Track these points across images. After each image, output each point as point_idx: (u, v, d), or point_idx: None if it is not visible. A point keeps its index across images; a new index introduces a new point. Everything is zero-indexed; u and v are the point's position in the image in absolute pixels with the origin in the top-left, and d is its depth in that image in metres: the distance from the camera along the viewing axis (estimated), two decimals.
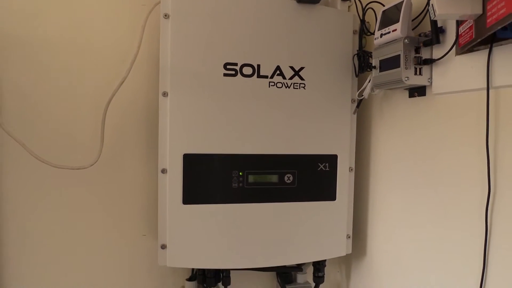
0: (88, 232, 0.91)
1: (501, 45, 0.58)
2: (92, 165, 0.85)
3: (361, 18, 0.86)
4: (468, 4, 0.54)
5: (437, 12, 0.55)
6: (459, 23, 0.63)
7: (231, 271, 0.91)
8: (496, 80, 0.59)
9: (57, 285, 0.90)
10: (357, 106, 0.89)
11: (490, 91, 0.60)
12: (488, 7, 0.51)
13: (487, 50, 0.59)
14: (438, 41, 0.68)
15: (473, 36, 0.57)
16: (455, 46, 0.65)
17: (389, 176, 0.87)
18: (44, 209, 0.88)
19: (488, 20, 0.51)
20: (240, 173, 0.84)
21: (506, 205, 0.59)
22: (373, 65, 0.79)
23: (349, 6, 0.93)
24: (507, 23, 0.47)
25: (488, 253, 0.61)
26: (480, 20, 0.55)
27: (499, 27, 0.49)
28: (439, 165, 0.72)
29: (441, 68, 0.70)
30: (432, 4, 0.56)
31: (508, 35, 0.56)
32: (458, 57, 0.65)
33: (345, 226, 0.91)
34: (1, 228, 0.86)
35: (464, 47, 0.62)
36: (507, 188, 0.58)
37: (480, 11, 0.54)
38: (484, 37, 0.54)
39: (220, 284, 0.93)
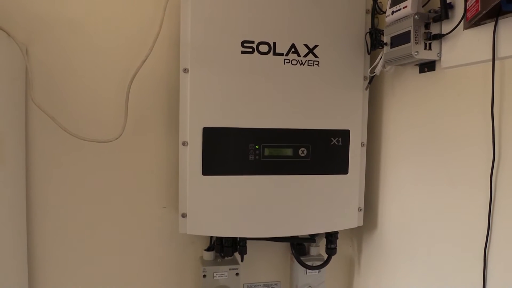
0: (111, 203, 0.96)
1: (507, 17, 0.60)
2: (116, 138, 0.90)
3: None
4: None
5: None
6: None
7: (247, 241, 0.96)
8: (501, 51, 0.62)
9: (84, 251, 0.95)
10: (369, 83, 0.93)
11: (495, 62, 0.63)
12: None
13: (493, 23, 0.62)
14: (447, 16, 0.71)
15: (479, 9, 0.60)
16: (463, 20, 0.68)
17: (400, 150, 0.90)
18: (71, 180, 0.93)
19: None
20: (257, 146, 0.89)
21: (509, 170, 0.62)
22: (385, 42, 0.82)
23: None
24: None
25: (492, 217, 0.65)
26: None
27: None
28: (447, 137, 0.75)
29: (449, 43, 0.72)
30: None
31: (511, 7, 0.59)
32: (466, 31, 0.68)
33: (357, 199, 0.95)
34: (31, 198, 0.92)
35: (471, 21, 0.65)
36: (511, 154, 0.61)
37: None
38: (489, 8, 0.57)
39: (236, 253, 0.97)
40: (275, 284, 1.08)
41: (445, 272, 0.76)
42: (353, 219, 0.95)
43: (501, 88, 0.63)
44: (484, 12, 0.59)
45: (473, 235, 0.68)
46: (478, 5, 0.61)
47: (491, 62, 0.63)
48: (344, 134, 0.93)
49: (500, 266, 0.64)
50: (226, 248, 0.95)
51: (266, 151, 0.89)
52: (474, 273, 0.67)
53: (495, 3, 0.55)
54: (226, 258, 0.99)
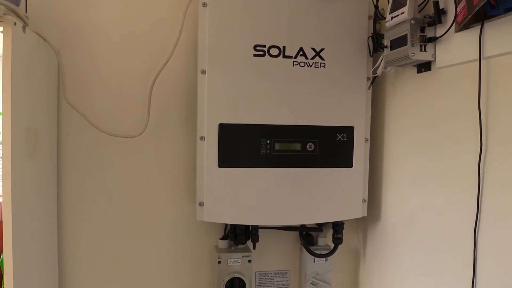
0: (135, 195, 1.05)
1: (491, 21, 0.68)
2: (140, 134, 0.99)
3: (375, 4, 0.97)
4: None
5: None
6: (456, 4, 0.74)
7: (259, 230, 1.04)
8: (487, 51, 0.69)
9: (108, 235, 1.04)
10: (372, 83, 1.00)
11: (482, 61, 0.70)
12: None
13: (480, 26, 0.70)
14: (440, 21, 0.79)
15: (466, 14, 0.68)
16: (454, 24, 0.75)
17: (400, 145, 0.97)
18: (97, 172, 1.02)
19: None
20: (268, 141, 0.96)
21: (494, 158, 0.69)
22: (385, 45, 0.90)
23: None
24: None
25: (481, 201, 0.72)
26: None
27: (482, 4, 0.60)
28: (442, 130, 0.82)
29: (443, 45, 0.80)
30: None
31: (496, 12, 0.66)
32: (457, 34, 0.76)
33: (361, 191, 1.02)
34: (61, 187, 1.01)
35: (461, 24, 0.72)
36: (496, 143, 0.68)
37: None
38: (473, 12, 0.65)
39: (249, 242, 1.05)
40: (285, 272, 1.15)
41: (442, 256, 0.82)
42: (358, 210, 1.02)
43: (487, 84, 0.70)
44: (470, 16, 0.67)
45: (465, 218, 0.75)
46: (465, 10, 0.68)
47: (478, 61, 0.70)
48: (349, 131, 1.00)
49: (488, 243, 0.70)
50: (239, 236, 1.03)
51: (277, 146, 0.97)
52: (466, 253, 0.74)
53: (478, 8, 0.62)
54: (239, 246, 1.07)
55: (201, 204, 0.95)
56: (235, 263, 1.05)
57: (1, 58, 0.95)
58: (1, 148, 0.86)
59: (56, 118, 0.99)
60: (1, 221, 0.77)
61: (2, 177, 0.74)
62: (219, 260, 1.04)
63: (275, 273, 1.15)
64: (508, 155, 0.66)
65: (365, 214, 1.03)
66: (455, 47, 0.77)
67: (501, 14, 0.65)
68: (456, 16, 0.74)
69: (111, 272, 1.05)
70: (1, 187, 0.80)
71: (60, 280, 1.01)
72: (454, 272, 0.78)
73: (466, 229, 0.74)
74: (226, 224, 1.08)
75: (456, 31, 0.76)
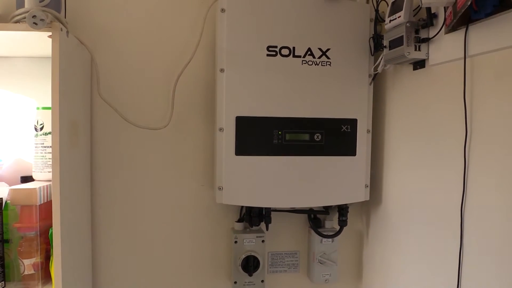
0: (160, 181, 1.16)
1: (475, 24, 0.78)
2: (165, 126, 1.11)
3: (376, 8, 1.08)
4: None
5: (423, 2, 0.77)
6: (445, 9, 0.84)
7: (271, 213, 1.15)
8: (471, 50, 0.79)
9: (136, 218, 1.16)
10: (373, 79, 1.11)
11: (466, 58, 0.80)
12: None
13: (465, 28, 0.80)
14: (432, 24, 0.89)
15: (452, 18, 0.78)
16: (443, 26, 0.86)
17: (399, 135, 1.08)
18: (127, 162, 1.14)
19: (458, 5, 0.73)
20: (279, 132, 1.07)
21: (477, 143, 0.79)
22: (384, 45, 1.00)
23: None
24: (467, 6, 0.68)
25: (466, 180, 0.82)
26: (454, 5, 0.76)
27: (463, 10, 0.70)
28: (434, 120, 0.93)
29: (434, 44, 0.90)
30: None
31: (478, 16, 0.76)
32: (447, 35, 0.86)
33: (364, 177, 1.13)
34: (95, 175, 1.13)
35: (449, 27, 0.83)
36: (479, 130, 0.79)
37: None
38: (457, 17, 0.75)
39: (262, 223, 1.16)
40: (294, 253, 1.26)
41: (433, 231, 0.93)
42: (361, 194, 1.13)
43: (471, 79, 0.81)
44: (455, 20, 0.77)
45: (453, 196, 0.86)
46: (451, 15, 0.79)
47: (463, 59, 0.81)
48: (352, 122, 1.11)
49: (472, 219, 0.81)
50: (254, 218, 1.14)
51: (287, 136, 1.08)
52: (454, 227, 0.85)
53: (460, 13, 0.73)
54: (253, 227, 1.18)
55: (220, 188, 1.07)
56: (250, 243, 1.17)
57: (44, 59, 1.08)
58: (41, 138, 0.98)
59: (89, 111, 1.11)
60: (50, 201, 0.89)
61: (52, 163, 0.85)
62: (236, 240, 1.16)
63: (286, 253, 1.26)
64: (488, 140, 0.76)
65: (368, 198, 1.14)
66: (445, 47, 0.87)
67: (482, 18, 0.75)
68: (445, 19, 0.84)
69: (137, 249, 1.17)
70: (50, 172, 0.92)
71: (93, 252, 1.14)
72: (444, 244, 0.89)
73: (454, 206, 0.85)
74: (242, 208, 1.20)
75: (446, 32, 0.86)
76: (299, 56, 1.07)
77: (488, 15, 0.74)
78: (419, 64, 0.97)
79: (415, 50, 0.92)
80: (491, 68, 0.76)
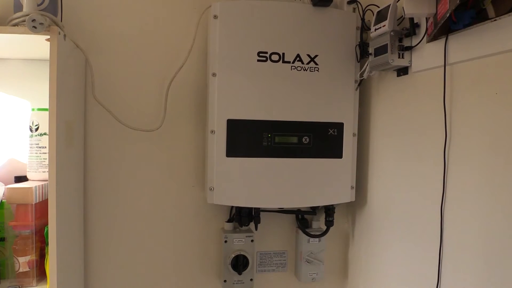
0: (152, 182, 1.19)
1: (454, 34, 0.83)
2: (157, 128, 1.14)
3: (362, 17, 1.13)
4: (426, 6, 0.80)
5: (405, 12, 0.82)
6: (427, 19, 0.89)
7: (260, 213, 1.18)
8: (451, 58, 0.84)
9: (128, 218, 1.18)
10: (359, 85, 1.15)
11: (446, 66, 0.85)
12: (438, 7, 0.78)
13: (445, 38, 0.85)
14: (414, 33, 0.94)
15: (433, 28, 0.83)
16: (425, 36, 0.91)
17: (383, 139, 1.13)
18: (120, 162, 1.17)
19: (438, 16, 0.78)
20: (269, 135, 1.11)
21: (456, 146, 0.84)
22: (370, 52, 1.05)
23: (353, 8, 1.19)
24: (446, 17, 0.73)
25: (446, 181, 0.87)
26: (435, 16, 0.81)
27: (443, 21, 0.75)
28: (417, 125, 0.97)
29: (417, 53, 0.95)
30: (403, 7, 0.83)
31: (457, 27, 0.81)
32: (428, 44, 0.91)
33: (350, 178, 1.17)
34: (88, 175, 1.15)
35: (430, 36, 0.88)
36: (457, 134, 0.84)
37: (434, 11, 0.80)
38: (438, 27, 0.80)
39: (252, 223, 1.19)
40: (282, 252, 1.30)
41: (415, 230, 0.98)
42: (347, 195, 1.17)
43: (451, 85, 0.86)
44: (436, 30, 0.82)
45: (434, 199, 0.90)
46: (432, 25, 0.84)
47: (443, 66, 0.86)
48: (339, 126, 1.15)
49: (451, 219, 0.85)
50: (244, 218, 1.17)
51: (276, 139, 1.12)
52: (435, 226, 0.89)
53: (440, 24, 0.78)
54: (243, 227, 1.22)
55: (211, 189, 1.10)
56: (240, 242, 1.20)
57: (38, 61, 1.10)
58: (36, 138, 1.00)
59: (83, 113, 1.13)
60: (45, 200, 0.91)
61: (49, 163, 0.88)
62: (226, 239, 1.19)
63: (274, 253, 1.29)
64: (466, 143, 0.81)
65: (353, 199, 1.18)
66: (427, 55, 0.92)
67: (461, 29, 0.81)
68: (427, 29, 0.89)
69: (129, 247, 1.19)
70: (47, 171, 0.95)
71: (85, 251, 1.16)
72: (425, 244, 0.93)
73: (434, 207, 0.90)
74: (232, 208, 1.23)
75: (427, 41, 0.91)
76: (288, 62, 1.11)
77: (466, 26, 0.79)
78: (403, 71, 1.02)
79: (399, 57, 0.97)
80: (469, 75, 0.81)
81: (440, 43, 0.87)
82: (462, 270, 0.82)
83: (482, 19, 0.75)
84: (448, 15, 0.72)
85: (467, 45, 0.80)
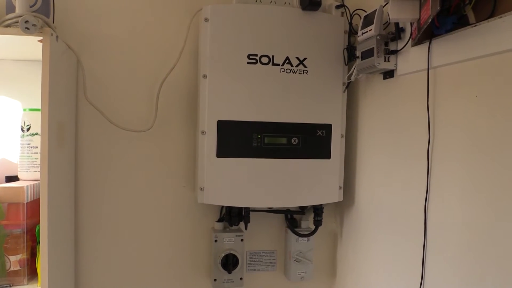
0: (143, 182, 1.20)
1: (437, 38, 0.86)
2: (148, 129, 1.15)
3: (349, 21, 1.15)
4: (410, 11, 0.82)
5: (390, 17, 0.84)
6: (412, 24, 0.92)
7: (250, 213, 1.20)
8: (434, 62, 0.87)
9: (119, 217, 1.19)
10: (347, 87, 1.18)
11: (430, 69, 0.88)
12: (421, 13, 0.80)
13: (429, 42, 0.88)
14: (399, 37, 0.97)
15: (417, 32, 0.86)
16: (410, 40, 0.94)
17: (370, 140, 1.15)
18: (111, 162, 1.18)
19: (421, 21, 0.80)
20: (259, 136, 1.13)
21: (439, 146, 0.87)
22: (357, 55, 1.08)
23: (342, 12, 1.22)
24: (429, 22, 0.76)
25: (429, 180, 0.90)
26: (418, 21, 0.84)
27: (426, 26, 0.78)
28: (402, 126, 1.00)
29: (402, 56, 0.98)
30: (387, 12, 0.85)
31: (440, 32, 0.84)
32: (413, 48, 0.94)
33: (338, 179, 1.19)
34: (79, 175, 1.16)
35: (415, 40, 0.91)
36: (440, 135, 0.87)
37: (417, 16, 0.82)
38: (421, 32, 0.83)
39: (241, 223, 1.21)
40: (272, 252, 1.32)
41: (400, 229, 1.00)
42: (335, 195, 1.19)
43: (434, 88, 0.89)
44: (419, 34, 0.85)
45: (418, 199, 0.93)
46: (416, 30, 0.87)
47: (427, 70, 0.89)
48: (327, 127, 1.18)
49: (435, 218, 0.88)
50: (233, 218, 1.19)
51: (266, 140, 1.14)
52: (419, 224, 0.92)
53: (423, 28, 0.80)
54: (233, 227, 1.24)
55: (201, 189, 1.11)
56: (230, 242, 1.22)
57: (30, 62, 1.11)
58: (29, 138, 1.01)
59: (75, 113, 1.14)
60: (36, 200, 0.92)
61: (40, 163, 0.89)
62: (216, 239, 1.21)
63: (264, 252, 1.31)
64: (449, 144, 0.84)
65: (341, 199, 1.21)
66: (411, 58, 0.95)
67: (443, 34, 0.83)
68: (411, 33, 0.92)
69: (119, 247, 1.20)
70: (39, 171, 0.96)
71: (76, 250, 1.17)
72: (409, 243, 0.96)
73: (419, 206, 0.92)
74: (222, 208, 1.25)
75: (412, 45, 0.94)
76: (278, 64, 1.13)
77: (448, 31, 0.82)
78: (389, 74, 1.05)
79: (385, 61, 1.00)
80: (451, 78, 0.84)
81: (424, 47, 0.90)
82: (444, 266, 0.85)
83: (463, 24, 0.78)
84: (430, 20, 0.75)
85: (449, 49, 0.83)
